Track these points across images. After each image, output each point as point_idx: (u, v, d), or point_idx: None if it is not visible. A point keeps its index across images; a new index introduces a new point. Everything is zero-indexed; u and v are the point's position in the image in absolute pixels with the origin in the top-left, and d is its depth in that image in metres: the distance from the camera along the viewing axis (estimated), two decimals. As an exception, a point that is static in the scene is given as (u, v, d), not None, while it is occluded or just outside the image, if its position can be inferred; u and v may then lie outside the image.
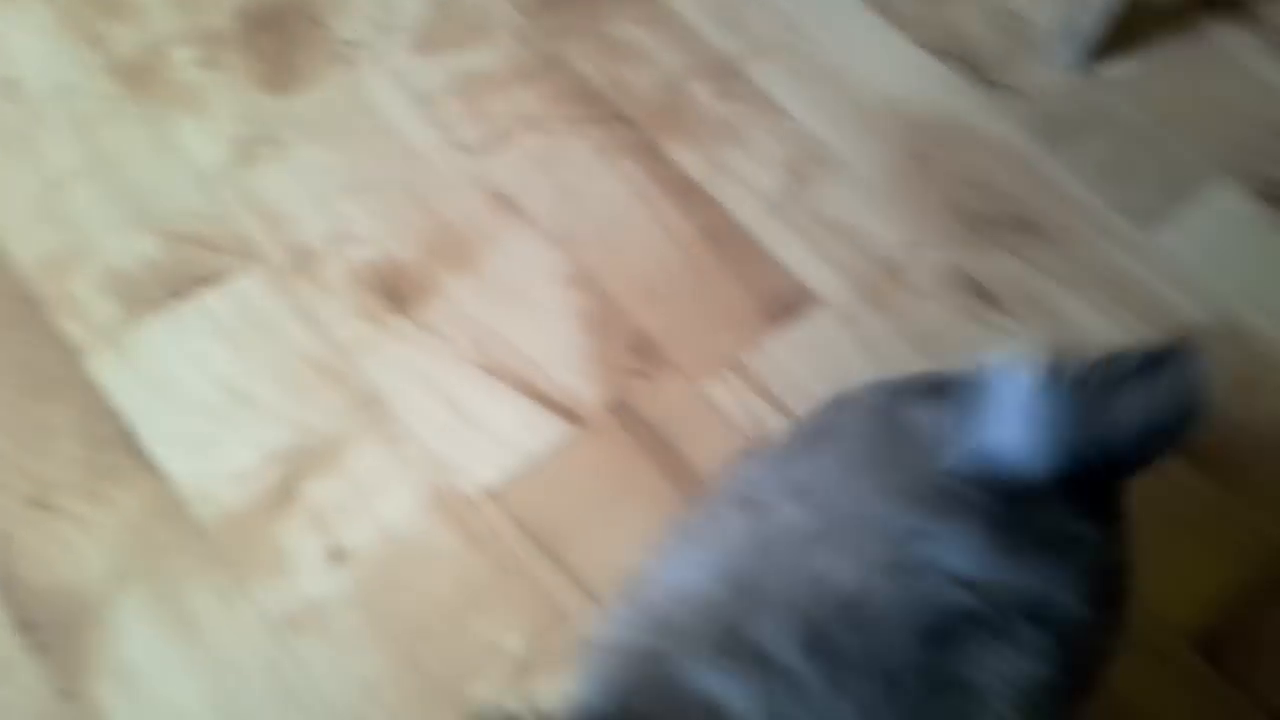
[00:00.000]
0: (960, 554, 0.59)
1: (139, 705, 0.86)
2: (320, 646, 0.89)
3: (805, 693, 0.55)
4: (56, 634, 0.88)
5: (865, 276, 1.13)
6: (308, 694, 0.87)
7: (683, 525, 0.69)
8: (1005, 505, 0.61)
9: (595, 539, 0.96)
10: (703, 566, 0.62)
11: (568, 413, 1.03)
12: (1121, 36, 1.33)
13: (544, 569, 0.94)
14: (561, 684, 0.89)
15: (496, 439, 1.01)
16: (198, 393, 1.02)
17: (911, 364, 1.08)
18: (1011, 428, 0.62)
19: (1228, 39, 1.35)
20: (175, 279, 1.09)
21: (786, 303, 1.11)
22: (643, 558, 0.83)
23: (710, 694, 0.55)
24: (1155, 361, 0.65)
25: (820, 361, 1.08)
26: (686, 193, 1.17)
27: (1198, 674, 0.91)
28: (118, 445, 0.98)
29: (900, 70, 1.29)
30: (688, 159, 1.20)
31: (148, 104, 1.20)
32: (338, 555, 0.95)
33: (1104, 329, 1.12)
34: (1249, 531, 0.99)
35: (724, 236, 1.15)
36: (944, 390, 0.68)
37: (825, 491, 0.63)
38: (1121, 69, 1.31)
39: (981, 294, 1.13)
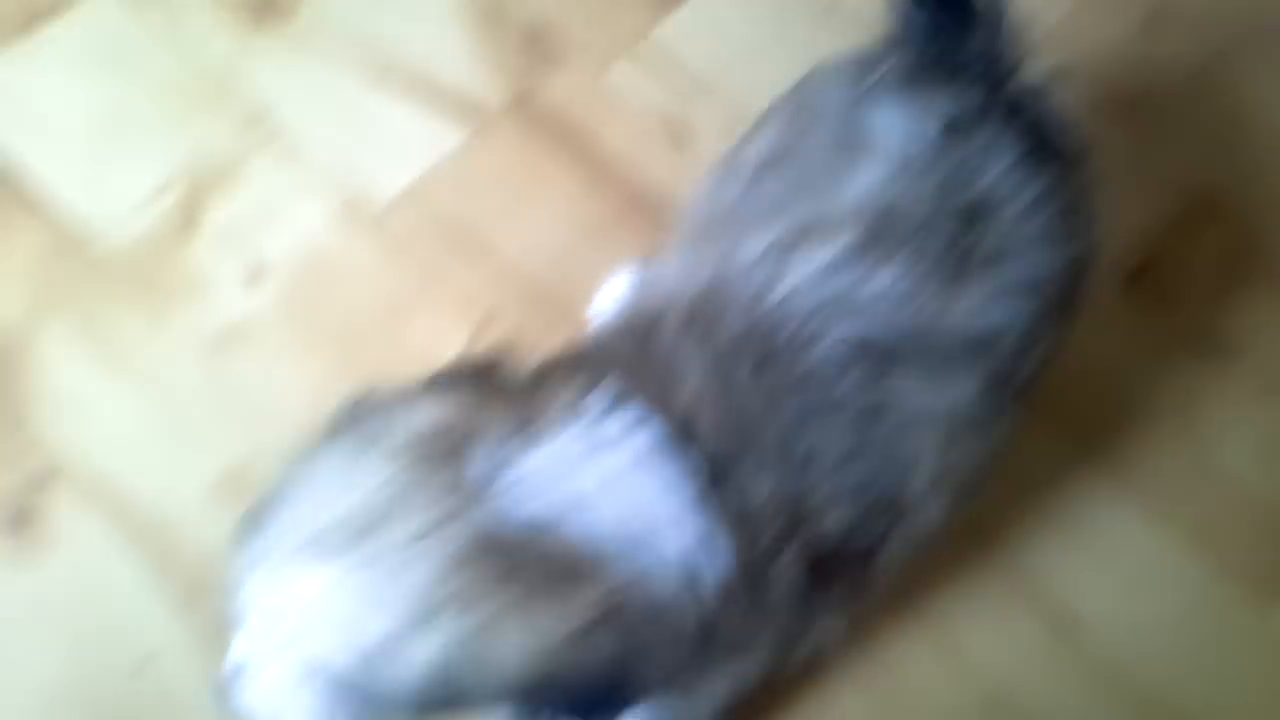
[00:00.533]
0: (902, 284, 0.61)
1: (90, 432, 0.87)
2: (254, 362, 0.91)
3: (744, 397, 0.59)
4: (-16, 377, 0.88)
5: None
6: (249, 409, 0.89)
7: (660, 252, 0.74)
8: (960, 226, 0.63)
9: (512, 233, 0.97)
10: (679, 277, 0.67)
11: (467, 110, 1.01)
12: None
13: (468, 266, 0.96)
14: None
15: (398, 145, 1.00)
16: (74, 127, 0.98)
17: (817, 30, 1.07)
18: None
19: None
20: (17, 13, 1.01)
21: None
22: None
23: (673, 360, 0.60)
24: None
25: (721, 36, 1.07)
26: None
27: (1131, 306, 0.95)
28: (2, 189, 0.95)
29: None
30: None
31: None
32: (255, 273, 0.94)
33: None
34: (1170, 169, 1.01)
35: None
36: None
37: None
38: None
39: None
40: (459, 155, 1.00)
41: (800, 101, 0.73)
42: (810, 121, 0.70)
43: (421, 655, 0.50)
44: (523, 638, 0.50)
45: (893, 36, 0.72)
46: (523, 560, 0.51)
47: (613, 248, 0.95)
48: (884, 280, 0.61)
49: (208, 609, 0.82)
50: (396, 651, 0.50)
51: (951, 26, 0.70)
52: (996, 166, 0.65)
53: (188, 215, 0.96)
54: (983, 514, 0.81)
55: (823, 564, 0.60)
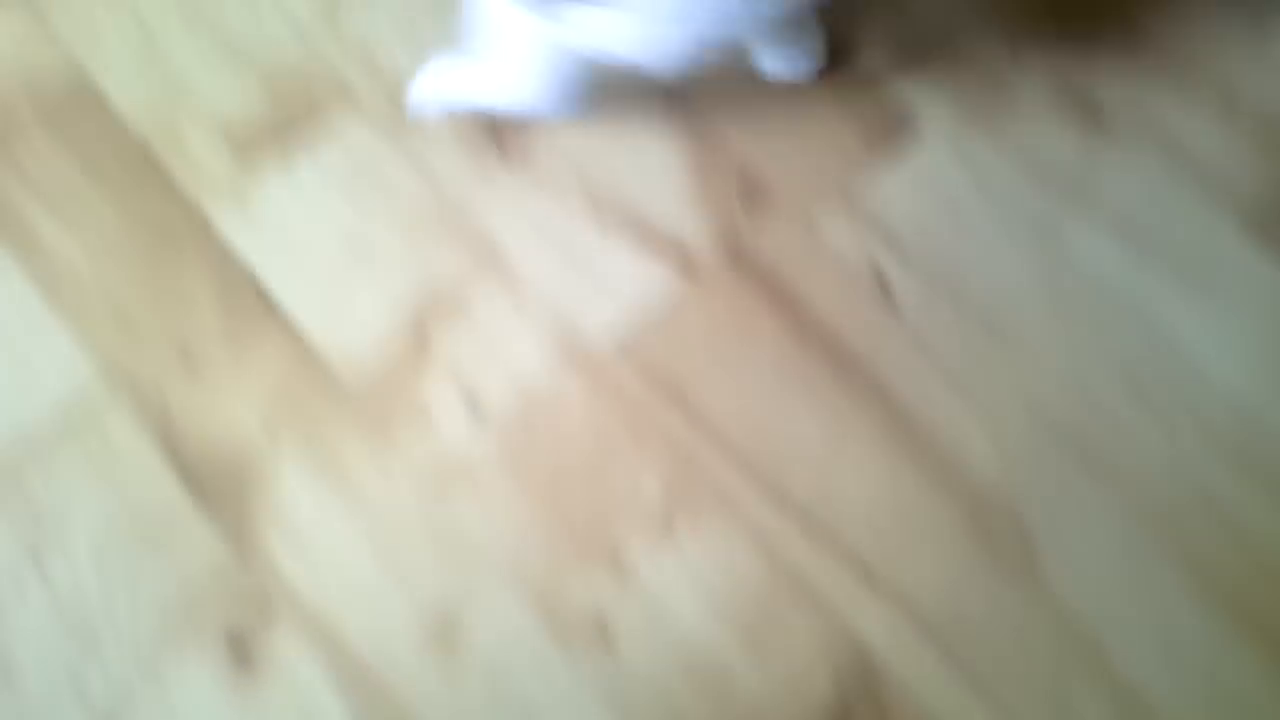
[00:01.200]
0: None
1: (310, 560, 0.92)
2: (470, 501, 0.94)
3: None
4: (222, 493, 0.94)
5: (970, 96, 1.10)
6: (463, 547, 0.92)
7: None
8: None
9: (720, 387, 0.99)
10: None
11: (682, 260, 1.03)
12: None
13: (673, 418, 0.97)
14: (700, 528, 0.94)
15: (612, 289, 1.02)
16: (322, 246, 1.03)
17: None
18: None
19: None
20: (284, 129, 1.08)
21: (891, 129, 1.09)
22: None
23: None
24: None
25: (932, 194, 1.07)
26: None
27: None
28: (253, 305, 1.01)
29: None
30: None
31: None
32: (476, 410, 0.98)
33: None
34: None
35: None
36: None
37: None
38: None
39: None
40: (670, 305, 1.02)
41: None
42: None
43: None
44: None
45: None
46: None
47: (820, 407, 0.97)
48: None
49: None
50: None
51: None
52: None
53: (420, 346, 1.00)
54: None
55: None
